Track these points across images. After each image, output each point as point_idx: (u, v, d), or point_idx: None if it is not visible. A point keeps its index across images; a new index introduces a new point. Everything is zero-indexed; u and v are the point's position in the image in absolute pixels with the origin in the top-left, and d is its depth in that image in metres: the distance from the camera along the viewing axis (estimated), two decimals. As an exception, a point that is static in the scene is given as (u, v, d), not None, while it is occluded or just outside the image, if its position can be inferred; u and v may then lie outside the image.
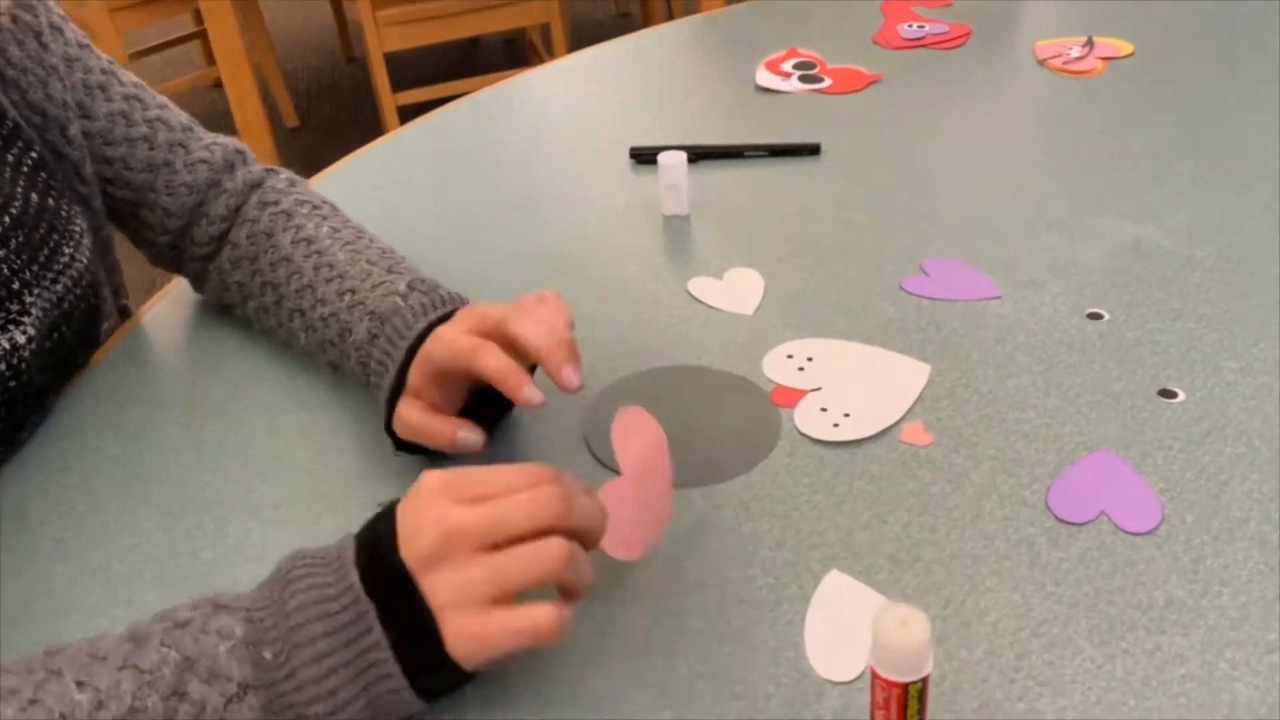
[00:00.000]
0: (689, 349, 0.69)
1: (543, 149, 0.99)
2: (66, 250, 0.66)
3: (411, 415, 0.59)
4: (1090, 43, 1.09)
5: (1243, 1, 1.18)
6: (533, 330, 0.57)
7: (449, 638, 0.44)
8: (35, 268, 0.64)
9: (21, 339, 0.64)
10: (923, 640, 0.39)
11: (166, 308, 0.80)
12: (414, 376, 0.59)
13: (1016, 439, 0.60)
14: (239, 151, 0.76)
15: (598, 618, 0.51)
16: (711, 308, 0.74)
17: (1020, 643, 0.49)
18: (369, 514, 0.61)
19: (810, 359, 0.67)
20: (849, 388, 0.64)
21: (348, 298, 0.66)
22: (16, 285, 0.63)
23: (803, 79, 1.08)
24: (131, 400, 0.70)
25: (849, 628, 0.50)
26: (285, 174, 0.77)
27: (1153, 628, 0.49)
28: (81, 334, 0.71)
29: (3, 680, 0.42)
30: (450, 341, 0.58)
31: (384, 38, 2.37)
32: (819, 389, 0.64)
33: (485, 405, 0.62)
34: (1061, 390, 0.63)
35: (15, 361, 0.64)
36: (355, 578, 0.44)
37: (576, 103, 1.09)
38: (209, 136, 0.76)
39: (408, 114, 1.44)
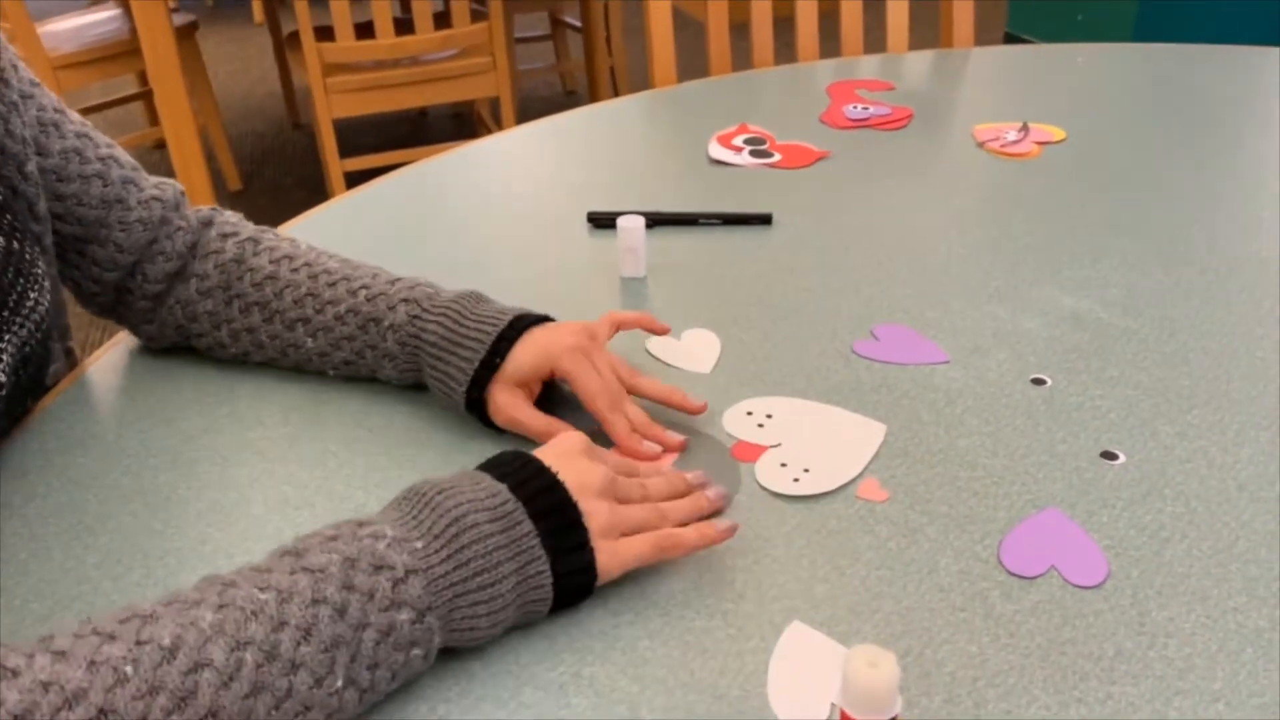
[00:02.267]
0: (650, 405, 0.69)
1: (499, 213, 1.00)
2: (32, 295, 0.65)
3: (520, 409, 0.66)
4: (1025, 128, 1.15)
5: (1163, 92, 1.26)
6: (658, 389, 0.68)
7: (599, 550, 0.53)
8: (5, 313, 0.63)
9: None
10: (892, 681, 0.40)
11: (116, 356, 0.78)
12: (527, 367, 0.65)
13: (968, 496, 0.62)
14: (182, 192, 0.77)
15: (561, 669, 0.51)
16: (670, 366, 0.75)
17: (977, 692, 0.50)
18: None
19: (769, 416, 0.68)
20: (808, 445, 0.65)
21: (363, 293, 0.69)
22: None
23: (754, 153, 1.12)
24: (79, 447, 0.68)
25: (811, 677, 0.50)
26: (230, 211, 0.78)
27: (1104, 678, 0.50)
28: (32, 378, 0.69)
29: (185, 594, 0.45)
30: (594, 374, 0.65)
31: (333, 104, 2.38)
32: (779, 445, 0.65)
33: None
34: (1009, 451, 0.66)
35: None
36: (504, 487, 0.52)
37: (531, 170, 1.11)
38: (154, 177, 0.77)
39: (354, 181, 1.44)
